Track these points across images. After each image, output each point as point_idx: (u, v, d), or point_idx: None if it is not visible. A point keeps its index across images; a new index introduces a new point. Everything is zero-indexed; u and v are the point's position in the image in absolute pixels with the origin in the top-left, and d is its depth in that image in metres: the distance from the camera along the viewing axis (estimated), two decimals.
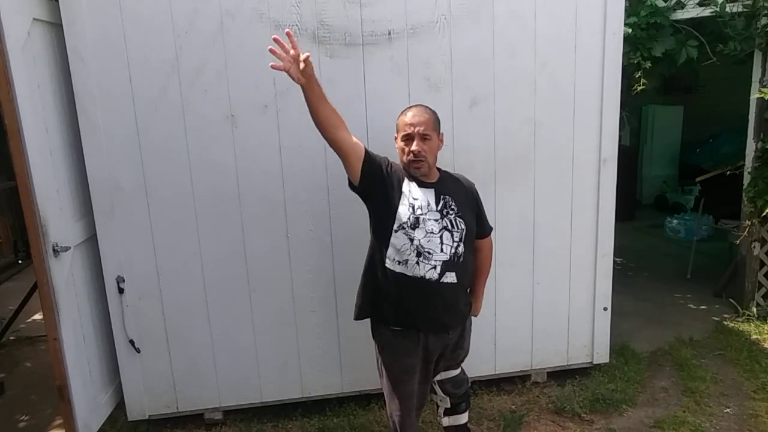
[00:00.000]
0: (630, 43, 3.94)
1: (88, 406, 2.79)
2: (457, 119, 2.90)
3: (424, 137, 2.16)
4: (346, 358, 3.05)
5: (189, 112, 2.72)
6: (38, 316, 4.14)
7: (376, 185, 2.20)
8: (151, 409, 2.99)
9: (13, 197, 4.72)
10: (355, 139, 2.18)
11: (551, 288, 3.19)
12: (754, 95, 3.90)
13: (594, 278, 3.22)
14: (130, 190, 2.74)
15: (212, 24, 2.66)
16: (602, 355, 3.34)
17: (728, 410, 3.04)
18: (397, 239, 2.15)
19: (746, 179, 4.04)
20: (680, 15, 4.01)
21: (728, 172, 4.56)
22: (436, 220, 2.16)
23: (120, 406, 3.05)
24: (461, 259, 2.21)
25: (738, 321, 4.04)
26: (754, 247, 4.10)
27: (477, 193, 2.39)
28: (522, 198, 3.06)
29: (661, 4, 3.96)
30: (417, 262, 2.13)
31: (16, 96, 2.34)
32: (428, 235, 2.14)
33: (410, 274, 2.14)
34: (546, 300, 3.19)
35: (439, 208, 2.18)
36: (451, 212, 2.19)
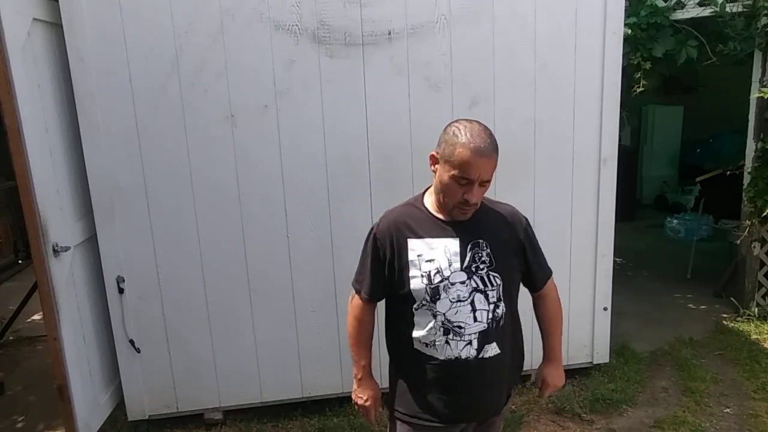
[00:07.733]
0: (630, 43, 3.94)
1: (88, 406, 2.80)
2: None
3: (484, 183, 1.63)
4: (346, 358, 3.04)
5: (189, 112, 2.71)
6: (38, 316, 4.13)
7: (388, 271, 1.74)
8: (151, 409, 2.99)
9: (13, 197, 4.71)
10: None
11: None
12: (754, 95, 3.91)
13: (594, 278, 3.22)
14: (130, 190, 2.74)
15: (212, 24, 2.65)
16: (602, 355, 3.34)
17: (728, 410, 3.04)
18: (420, 316, 1.69)
19: (746, 179, 4.05)
20: (680, 15, 4.01)
21: (728, 172, 4.56)
22: (463, 282, 1.65)
23: (120, 406, 3.05)
24: (502, 321, 1.70)
25: (738, 321, 4.05)
26: (754, 247, 4.10)
27: (526, 229, 1.78)
28: (522, 198, 3.03)
29: (661, 4, 3.97)
30: (447, 341, 1.66)
31: (16, 96, 2.34)
32: (455, 305, 1.64)
33: (442, 357, 1.67)
34: None
35: (465, 265, 1.65)
36: (482, 267, 1.67)
